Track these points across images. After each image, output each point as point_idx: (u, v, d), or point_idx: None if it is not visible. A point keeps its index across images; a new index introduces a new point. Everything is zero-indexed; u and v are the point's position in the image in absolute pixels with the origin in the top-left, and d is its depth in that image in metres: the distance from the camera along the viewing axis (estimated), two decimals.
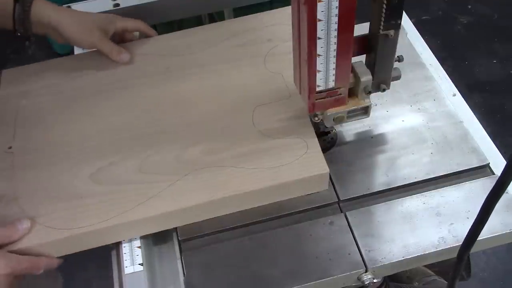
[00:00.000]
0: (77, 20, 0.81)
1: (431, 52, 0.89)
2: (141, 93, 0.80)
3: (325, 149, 0.74)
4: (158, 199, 0.67)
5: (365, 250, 0.65)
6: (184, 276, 0.65)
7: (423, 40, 0.91)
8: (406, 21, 0.93)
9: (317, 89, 0.64)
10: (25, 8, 0.77)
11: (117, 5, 0.93)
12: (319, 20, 0.57)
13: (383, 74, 0.67)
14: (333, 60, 0.61)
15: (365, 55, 0.67)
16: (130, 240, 0.68)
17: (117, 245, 0.68)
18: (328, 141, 0.76)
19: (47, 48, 2.10)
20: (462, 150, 0.73)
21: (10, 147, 0.74)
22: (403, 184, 0.71)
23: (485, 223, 0.49)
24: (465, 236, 0.64)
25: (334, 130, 0.76)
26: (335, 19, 0.57)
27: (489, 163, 0.72)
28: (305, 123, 0.72)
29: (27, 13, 0.77)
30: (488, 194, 0.46)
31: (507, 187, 0.44)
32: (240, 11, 0.99)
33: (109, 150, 0.72)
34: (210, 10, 1.02)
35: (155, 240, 0.70)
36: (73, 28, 0.81)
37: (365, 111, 0.70)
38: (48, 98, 0.80)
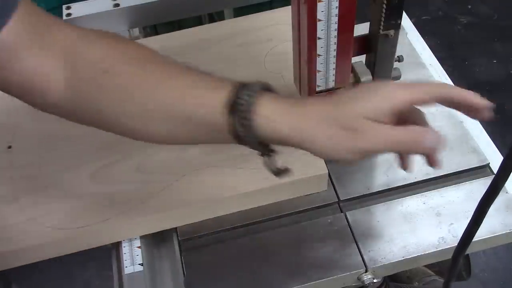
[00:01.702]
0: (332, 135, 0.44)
1: (431, 52, 0.89)
2: None
3: None
4: (158, 199, 0.67)
5: (365, 250, 0.65)
6: (184, 276, 0.65)
7: (423, 40, 0.91)
8: (406, 21, 0.93)
9: (317, 89, 0.64)
10: (244, 123, 0.45)
11: (117, 5, 0.93)
12: (319, 20, 0.57)
13: (383, 74, 0.67)
14: (333, 60, 0.61)
15: (365, 55, 0.67)
16: (130, 240, 0.68)
17: (117, 245, 0.68)
18: None
19: None
20: (462, 150, 0.73)
21: (9, 147, 0.74)
22: (403, 184, 0.71)
23: (480, 224, 0.48)
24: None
25: None
26: (335, 19, 0.57)
27: (489, 163, 0.72)
28: None
29: (248, 129, 0.46)
30: (483, 196, 0.46)
31: (501, 189, 0.44)
32: (240, 11, 0.99)
33: (109, 149, 0.72)
34: (210, 10, 1.02)
35: (155, 240, 0.70)
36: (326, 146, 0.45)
37: None
38: None
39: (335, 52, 0.60)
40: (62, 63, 0.49)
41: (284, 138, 0.46)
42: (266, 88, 0.48)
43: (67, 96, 0.50)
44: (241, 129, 0.46)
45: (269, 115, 0.45)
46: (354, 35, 0.61)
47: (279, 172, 0.51)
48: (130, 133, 0.53)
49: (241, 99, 0.45)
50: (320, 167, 0.68)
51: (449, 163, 0.72)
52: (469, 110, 0.46)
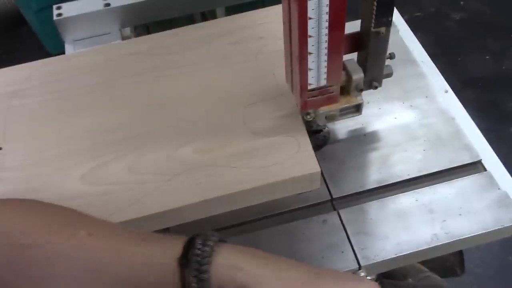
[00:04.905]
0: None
1: (423, 49, 0.89)
2: (132, 92, 0.79)
3: (317, 147, 0.74)
4: (150, 199, 0.66)
5: (358, 248, 0.65)
6: None
7: (415, 37, 0.91)
8: (398, 18, 0.93)
9: (309, 87, 0.64)
10: (201, 277, 0.45)
11: (108, 4, 0.92)
12: (310, 18, 0.56)
13: (375, 71, 0.67)
14: (324, 58, 0.61)
15: (356, 52, 0.67)
16: None
17: None
18: (320, 139, 0.76)
19: (39, 47, 2.08)
20: (455, 147, 0.73)
21: (0, 148, 0.74)
22: (396, 181, 0.71)
23: None
24: (457, 233, 0.64)
25: (326, 128, 0.76)
26: (326, 17, 0.57)
27: (481, 159, 0.72)
28: (297, 121, 0.72)
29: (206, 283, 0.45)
30: None
31: None
32: (233, 10, 0.99)
33: (100, 150, 0.72)
34: (202, 8, 1.02)
35: None
36: None
37: (357, 108, 0.70)
38: (39, 99, 0.80)
39: (327, 50, 0.60)
40: None
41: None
42: (222, 240, 0.47)
43: None
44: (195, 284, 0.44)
45: (231, 264, 0.46)
46: (345, 33, 0.60)
47: None
48: None
49: (197, 250, 0.44)
50: (312, 166, 0.68)
51: (442, 160, 0.72)
52: None
